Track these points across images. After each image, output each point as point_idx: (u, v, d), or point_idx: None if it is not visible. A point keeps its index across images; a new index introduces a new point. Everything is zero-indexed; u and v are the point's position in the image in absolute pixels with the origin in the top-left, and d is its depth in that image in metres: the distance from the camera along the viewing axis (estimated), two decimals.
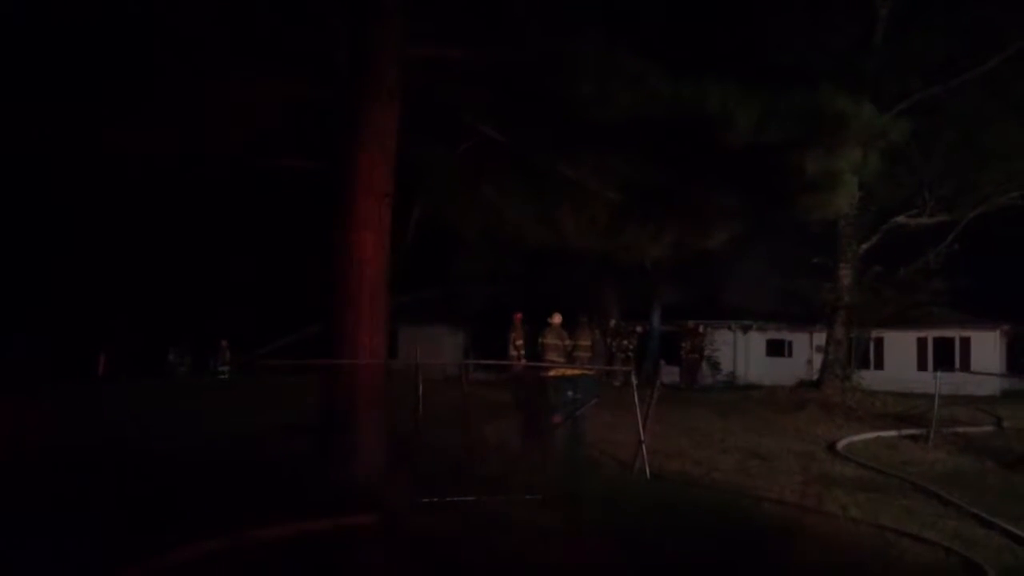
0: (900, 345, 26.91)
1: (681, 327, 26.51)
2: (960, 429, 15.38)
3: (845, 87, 8.68)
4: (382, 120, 8.35)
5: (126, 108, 8.42)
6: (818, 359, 22.95)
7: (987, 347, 26.53)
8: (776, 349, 29.07)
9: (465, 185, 9.71)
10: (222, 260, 24.57)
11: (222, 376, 23.37)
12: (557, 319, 17.67)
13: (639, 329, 25.76)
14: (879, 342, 26.41)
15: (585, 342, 19.28)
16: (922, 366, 26.03)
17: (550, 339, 17.58)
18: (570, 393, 11.55)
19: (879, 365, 26.60)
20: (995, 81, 17.71)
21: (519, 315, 20.17)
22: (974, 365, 24.55)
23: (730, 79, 8.17)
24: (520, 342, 19.75)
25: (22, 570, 4.89)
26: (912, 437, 14.81)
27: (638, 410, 10.73)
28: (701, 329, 26.99)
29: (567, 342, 17.92)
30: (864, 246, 20.15)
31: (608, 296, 25.52)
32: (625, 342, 23.73)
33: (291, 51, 8.65)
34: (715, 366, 27.50)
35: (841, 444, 13.78)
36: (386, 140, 8.38)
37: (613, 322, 24.36)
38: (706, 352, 27.19)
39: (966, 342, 26.82)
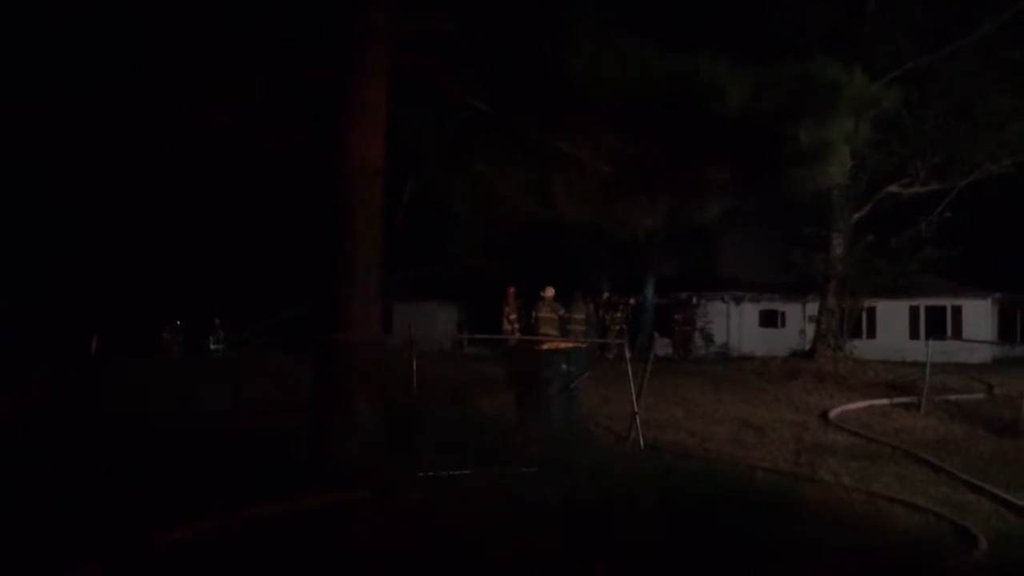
0: (892, 314, 27.00)
1: (674, 299, 26.57)
2: (951, 397, 15.51)
3: (837, 56, 8.64)
4: (372, 96, 8.28)
5: (116, 86, 8.35)
6: (811, 329, 23.05)
7: (979, 315, 26.65)
8: (769, 320, 29.14)
9: (457, 160, 9.66)
10: (216, 238, 24.54)
11: (216, 354, 23.35)
12: (550, 292, 17.65)
13: (632, 302, 25.79)
14: (871, 311, 26.48)
15: (579, 315, 19.31)
16: (914, 335, 26.15)
17: (544, 313, 17.58)
18: (564, 366, 11.60)
19: (871, 334, 26.71)
20: (988, 48, 17.66)
21: (512, 289, 20.18)
22: (966, 333, 24.67)
23: (721, 50, 8.12)
24: (514, 316, 19.78)
25: (11, 548, 4.91)
26: (904, 405, 14.94)
27: (632, 382, 10.80)
28: (695, 301, 27.04)
29: (561, 313, 17.93)
30: (856, 216, 20.18)
31: (601, 269, 25.53)
32: (619, 315, 23.77)
33: (279, 26, 8.57)
34: (708, 338, 27.57)
35: (834, 413, 13.88)
36: (376, 116, 8.32)
37: (607, 295, 24.38)
38: (699, 324, 27.25)
39: (958, 310, 26.94)
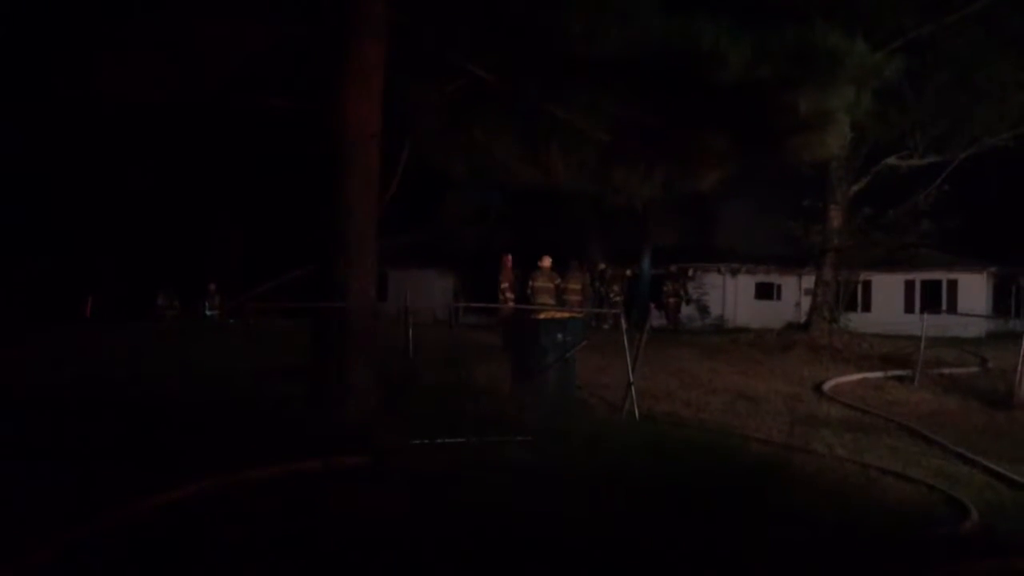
0: (888, 287, 27.04)
1: (663, 270, 26.68)
2: (946, 370, 15.54)
3: (838, 24, 8.54)
4: (368, 59, 8.18)
5: (112, 39, 8.23)
6: (806, 302, 23.05)
7: (974, 289, 26.68)
8: (765, 292, 29.16)
9: (454, 126, 9.56)
10: (212, 203, 24.44)
11: (212, 319, 23.31)
12: (547, 262, 17.62)
13: (629, 273, 25.82)
14: (867, 284, 26.52)
15: (575, 285, 19.32)
16: (909, 308, 26.18)
17: (540, 282, 17.56)
18: (560, 336, 11.57)
19: (867, 307, 26.76)
20: (990, 19, 17.49)
21: (509, 258, 20.12)
22: (961, 307, 24.71)
23: (722, 16, 8.01)
24: (507, 284, 19.73)
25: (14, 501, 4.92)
26: (898, 378, 14.96)
27: (627, 352, 10.79)
28: (691, 272, 27.11)
29: (558, 283, 17.90)
30: (854, 188, 20.11)
31: (598, 239, 25.52)
32: (615, 286, 23.78)
33: None
34: (703, 309, 27.62)
35: (828, 385, 13.91)
36: (372, 79, 8.23)
37: (603, 266, 24.37)
38: (693, 296, 27.34)
39: (953, 284, 26.96)
